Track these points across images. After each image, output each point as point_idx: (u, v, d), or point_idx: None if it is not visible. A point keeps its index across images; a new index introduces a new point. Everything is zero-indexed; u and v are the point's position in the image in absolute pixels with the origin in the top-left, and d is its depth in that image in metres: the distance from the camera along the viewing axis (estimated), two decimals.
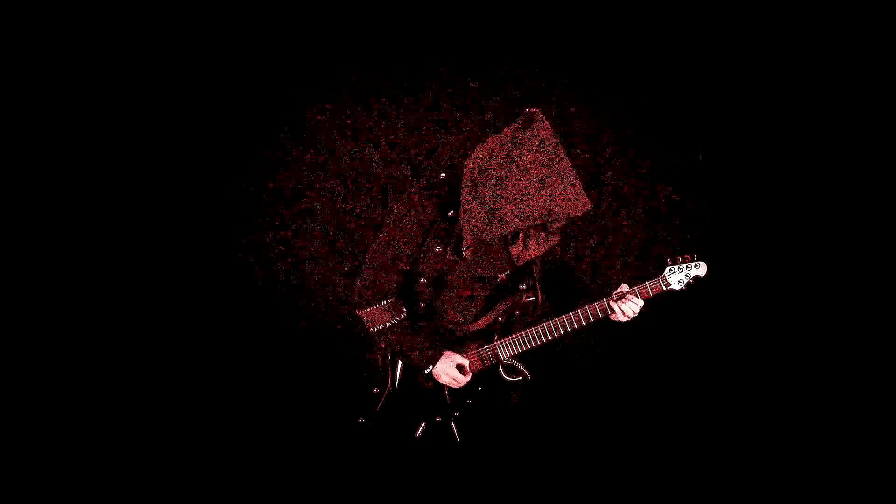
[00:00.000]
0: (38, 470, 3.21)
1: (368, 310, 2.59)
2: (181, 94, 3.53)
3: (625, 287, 2.62)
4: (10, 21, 3.31)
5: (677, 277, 2.61)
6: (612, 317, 2.62)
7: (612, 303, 2.59)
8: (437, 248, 2.52)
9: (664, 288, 2.61)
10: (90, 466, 3.27)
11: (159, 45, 3.47)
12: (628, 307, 2.59)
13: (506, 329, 2.68)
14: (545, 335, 2.63)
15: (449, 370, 2.60)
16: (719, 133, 3.70)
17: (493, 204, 2.34)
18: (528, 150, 2.33)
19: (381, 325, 2.59)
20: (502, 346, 2.66)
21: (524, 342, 2.65)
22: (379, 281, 2.57)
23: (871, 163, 3.57)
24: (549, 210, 2.34)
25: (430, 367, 2.61)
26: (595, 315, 2.61)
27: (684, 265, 2.60)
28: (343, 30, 3.59)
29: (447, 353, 2.62)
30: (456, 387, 2.63)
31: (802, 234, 3.65)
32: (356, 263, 3.53)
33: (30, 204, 3.43)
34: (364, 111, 3.66)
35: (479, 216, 2.36)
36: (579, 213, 2.39)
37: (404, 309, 2.61)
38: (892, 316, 3.57)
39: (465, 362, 2.63)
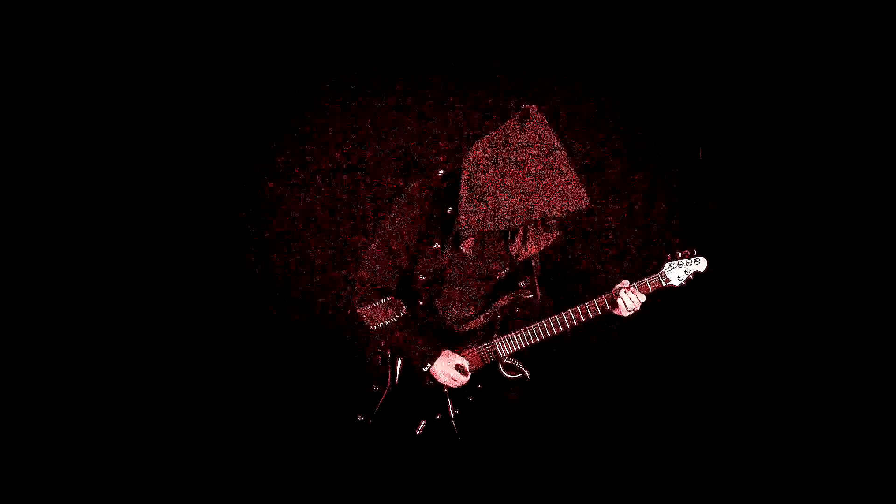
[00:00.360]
0: (36, 469, 3.20)
1: (368, 308, 2.59)
2: (180, 95, 3.54)
3: (625, 283, 2.61)
4: (13, 21, 3.32)
5: (676, 273, 2.60)
6: (615, 311, 2.61)
7: (611, 299, 2.59)
8: (436, 246, 2.53)
9: (664, 284, 2.60)
10: (89, 463, 3.26)
11: (162, 47, 3.48)
12: (629, 303, 2.58)
13: (505, 326, 2.67)
14: (545, 332, 2.62)
15: (448, 370, 2.60)
16: (720, 131, 3.69)
17: (492, 200, 2.35)
18: (525, 147, 2.34)
19: (381, 323, 2.59)
20: (501, 343, 2.65)
21: (524, 339, 2.64)
22: (378, 278, 2.57)
23: (868, 160, 3.57)
24: (547, 205, 2.35)
25: (429, 364, 2.61)
26: (595, 311, 2.60)
27: (683, 260, 2.60)
28: (344, 30, 3.60)
29: (446, 352, 2.61)
30: (454, 386, 2.63)
31: (803, 230, 3.64)
32: (356, 263, 3.53)
33: (31, 204, 3.43)
34: (363, 111, 3.67)
35: (478, 212, 2.37)
36: (577, 209, 2.39)
37: (404, 307, 2.61)
38: (891, 312, 3.56)
39: (465, 363, 2.62)
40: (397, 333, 2.59)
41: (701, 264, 2.61)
